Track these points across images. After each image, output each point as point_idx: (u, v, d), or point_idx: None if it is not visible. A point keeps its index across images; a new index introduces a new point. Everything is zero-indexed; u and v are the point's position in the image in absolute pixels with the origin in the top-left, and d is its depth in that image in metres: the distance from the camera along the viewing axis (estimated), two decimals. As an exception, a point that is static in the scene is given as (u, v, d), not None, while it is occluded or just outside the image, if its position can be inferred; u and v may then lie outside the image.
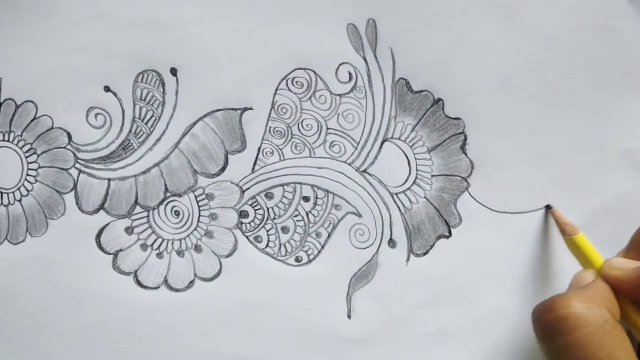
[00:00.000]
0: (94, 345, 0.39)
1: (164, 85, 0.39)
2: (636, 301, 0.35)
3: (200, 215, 0.39)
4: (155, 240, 0.39)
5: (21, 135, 0.39)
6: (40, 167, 0.39)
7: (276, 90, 0.39)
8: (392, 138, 0.39)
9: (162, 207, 0.39)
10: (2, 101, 0.39)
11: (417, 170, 0.40)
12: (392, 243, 0.40)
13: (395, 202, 0.40)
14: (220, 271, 0.39)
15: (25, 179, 0.39)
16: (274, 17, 0.39)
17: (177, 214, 0.39)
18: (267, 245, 0.40)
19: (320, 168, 0.40)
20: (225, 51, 0.39)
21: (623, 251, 0.37)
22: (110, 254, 0.39)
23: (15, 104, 0.39)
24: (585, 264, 0.37)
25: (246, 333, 0.39)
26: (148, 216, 0.39)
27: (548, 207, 0.39)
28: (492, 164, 0.39)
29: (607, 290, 0.34)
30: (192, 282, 0.39)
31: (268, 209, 0.40)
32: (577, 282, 0.36)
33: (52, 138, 0.39)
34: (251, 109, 0.39)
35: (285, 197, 0.40)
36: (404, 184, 0.40)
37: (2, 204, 0.39)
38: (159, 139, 0.39)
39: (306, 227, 0.40)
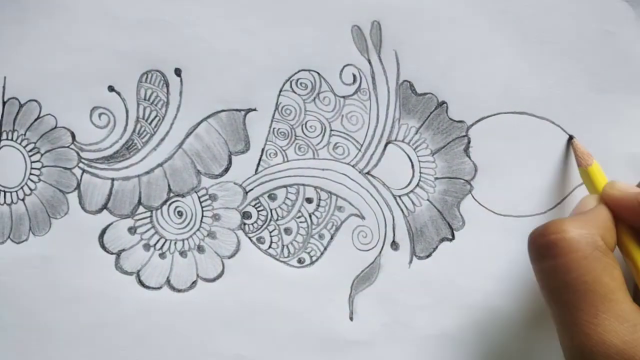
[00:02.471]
0: (95, 344, 0.39)
1: (167, 86, 0.39)
2: (633, 225, 0.35)
3: (203, 216, 0.39)
4: (158, 240, 0.39)
5: (24, 134, 0.39)
6: (43, 166, 0.39)
7: (280, 91, 0.39)
8: (395, 140, 0.40)
9: (165, 207, 0.39)
10: (5, 100, 0.39)
11: (420, 172, 0.40)
12: (394, 245, 0.40)
13: (398, 204, 0.40)
14: (222, 272, 0.39)
15: (29, 178, 0.39)
16: (279, 18, 0.39)
17: (180, 214, 0.39)
18: (270, 246, 0.40)
19: (323, 169, 0.40)
20: (229, 52, 0.39)
21: None
22: (112, 253, 0.39)
23: (19, 102, 0.39)
24: (594, 191, 0.37)
25: (248, 334, 0.39)
26: (151, 216, 0.39)
27: (570, 137, 0.39)
28: (495, 167, 0.40)
29: (605, 217, 0.35)
30: (194, 283, 0.39)
31: (271, 210, 0.40)
32: (580, 206, 0.36)
33: (56, 137, 0.39)
34: (255, 109, 0.39)
35: (288, 198, 0.40)
36: (407, 186, 0.40)
37: (5, 202, 0.39)
38: (162, 139, 0.39)
39: (309, 229, 0.40)
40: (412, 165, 0.40)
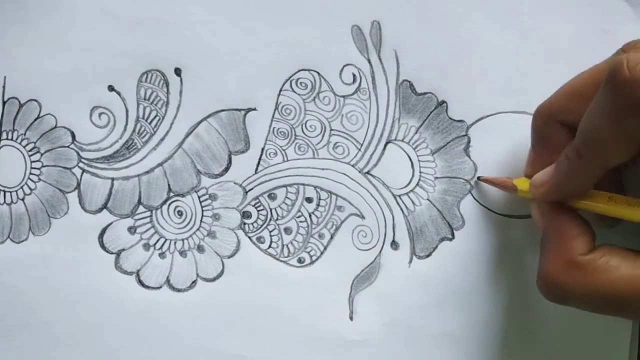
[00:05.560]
0: (95, 344, 0.39)
1: (167, 85, 0.39)
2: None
3: (203, 215, 0.39)
4: (158, 240, 0.39)
5: (24, 134, 0.39)
6: (43, 166, 0.39)
7: (280, 90, 0.39)
8: (395, 140, 0.40)
9: (164, 207, 0.39)
10: (5, 99, 0.39)
11: (420, 172, 0.40)
12: (394, 245, 0.40)
13: (398, 203, 0.40)
14: (222, 271, 0.39)
15: (28, 178, 0.39)
16: (279, 18, 0.39)
17: (180, 213, 0.39)
18: (270, 246, 0.39)
19: (323, 169, 0.40)
20: (229, 51, 0.39)
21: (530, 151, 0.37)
22: (112, 253, 0.39)
23: (19, 102, 0.39)
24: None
25: (248, 333, 0.39)
26: (151, 216, 0.39)
27: (478, 179, 0.39)
28: (495, 167, 0.40)
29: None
30: (194, 282, 0.39)
31: (271, 210, 0.40)
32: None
33: (56, 137, 0.39)
34: (255, 109, 0.39)
35: (288, 198, 0.40)
36: (406, 186, 0.40)
37: (4, 202, 0.39)
38: (162, 139, 0.39)
39: (309, 228, 0.40)
40: (412, 165, 0.40)
